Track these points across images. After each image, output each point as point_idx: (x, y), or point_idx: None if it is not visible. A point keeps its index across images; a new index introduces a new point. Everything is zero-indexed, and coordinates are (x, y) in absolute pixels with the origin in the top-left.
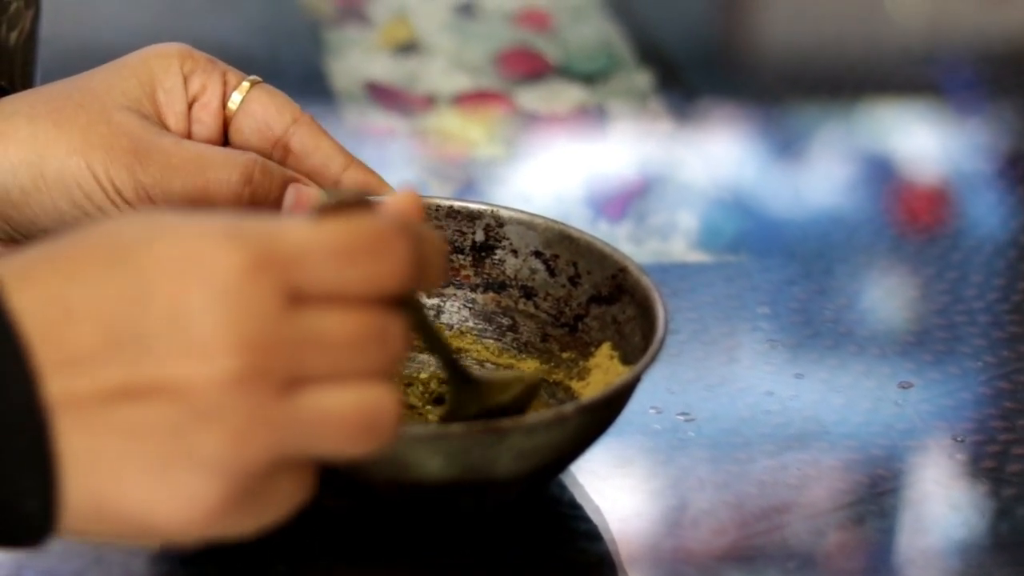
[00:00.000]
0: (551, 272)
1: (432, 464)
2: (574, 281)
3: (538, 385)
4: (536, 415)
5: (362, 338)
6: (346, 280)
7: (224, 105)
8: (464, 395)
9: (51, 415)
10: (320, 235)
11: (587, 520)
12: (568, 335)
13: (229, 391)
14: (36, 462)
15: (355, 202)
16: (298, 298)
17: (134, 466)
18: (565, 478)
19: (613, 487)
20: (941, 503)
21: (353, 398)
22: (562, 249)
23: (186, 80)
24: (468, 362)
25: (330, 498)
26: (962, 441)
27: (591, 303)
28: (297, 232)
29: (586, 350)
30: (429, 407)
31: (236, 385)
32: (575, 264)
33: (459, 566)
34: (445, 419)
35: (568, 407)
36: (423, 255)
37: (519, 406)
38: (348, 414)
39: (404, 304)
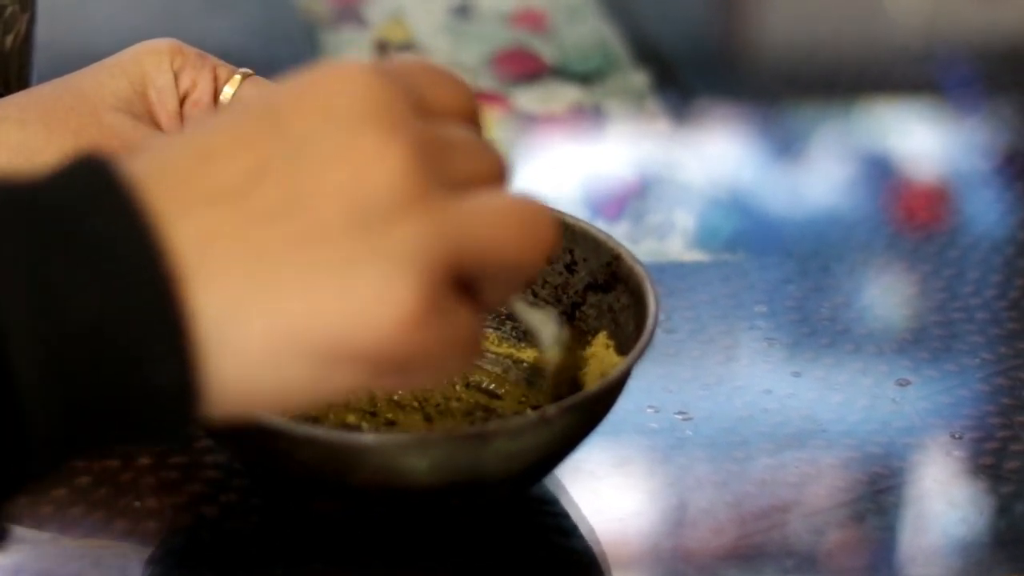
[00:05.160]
0: (547, 259)
1: (420, 468)
2: (571, 268)
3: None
4: (520, 418)
5: (480, 145)
6: (444, 97)
7: (216, 100)
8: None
9: (180, 263)
10: (412, 62)
11: (584, 520)
12: (566, 323)
13: (403, 181)
14: (165, 321)
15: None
16: (419, 106)
17: (320, 275)
18: (562, 478)
19: (610, 487)
20: (939, 500)
21: (507, 198)
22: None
23: (177, 77)
24: None
25: (323, 502)
26: (960, 438)
27: (588, 291)
28: (396, 59)
29: (583, 338)
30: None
31: (408, 175)
32: (571, 251)
33: (453, 568)
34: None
35: (550, 409)
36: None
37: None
38: (510, 209)
39: None
